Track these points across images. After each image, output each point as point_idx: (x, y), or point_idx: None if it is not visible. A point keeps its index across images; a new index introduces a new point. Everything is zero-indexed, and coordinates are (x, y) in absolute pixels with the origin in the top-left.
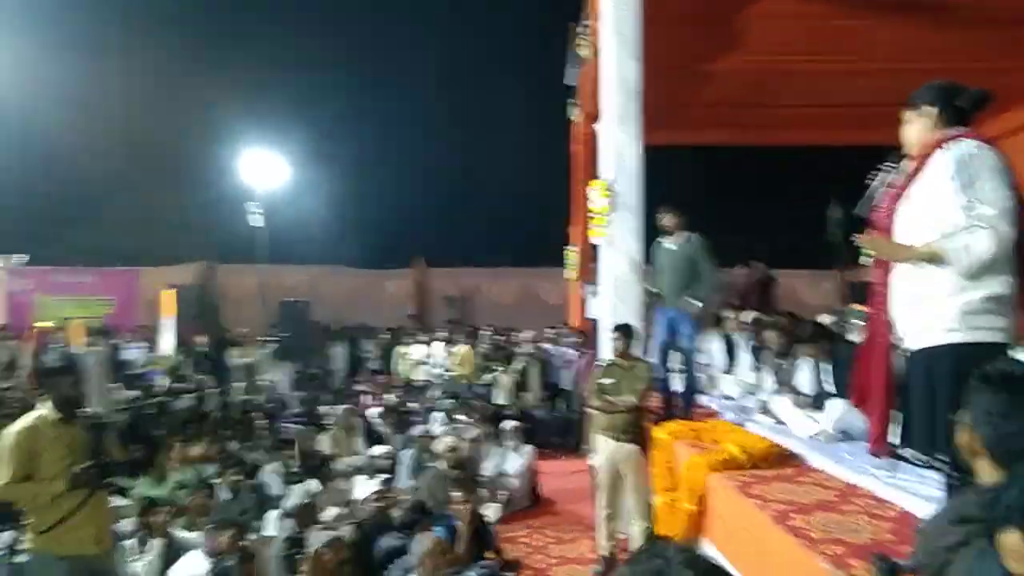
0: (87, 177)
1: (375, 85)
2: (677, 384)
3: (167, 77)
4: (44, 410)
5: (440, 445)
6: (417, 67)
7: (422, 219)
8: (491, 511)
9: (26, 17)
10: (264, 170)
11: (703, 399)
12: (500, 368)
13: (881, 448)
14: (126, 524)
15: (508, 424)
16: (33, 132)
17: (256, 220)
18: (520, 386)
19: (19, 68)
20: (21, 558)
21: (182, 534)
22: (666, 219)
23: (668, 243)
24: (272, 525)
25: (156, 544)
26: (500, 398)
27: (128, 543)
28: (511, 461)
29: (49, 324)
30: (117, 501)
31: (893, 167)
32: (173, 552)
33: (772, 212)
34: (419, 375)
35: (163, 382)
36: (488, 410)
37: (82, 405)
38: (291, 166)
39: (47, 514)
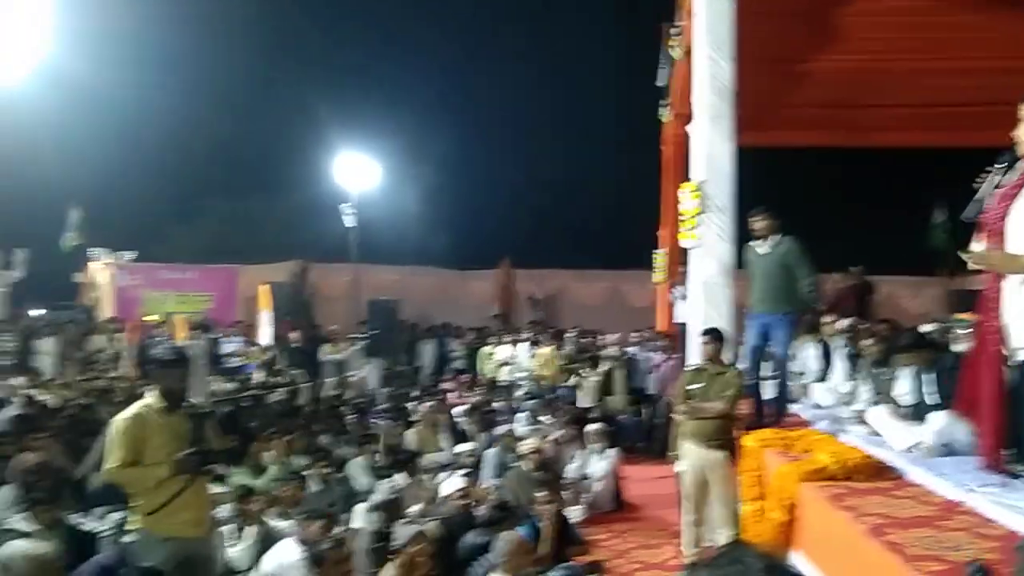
0: (190, 179)
1: (466, 87)
2: (768, 391)
3: (266, 86)
4: (150, 399)
5: (524, 445)
6: (508, 69)
7: (509, 220)
8: (574, 513)
9: (131, 31)
10: (357, 172)
11: (794, 408)
12: (585, 371)
13: (993, 462)
14: (224, 511)
15: (593, 427)
16: (143, 138)
17: (349, 221)
18: (605, 389)
19: (128, 79)
20: (129, 537)
21: (276, 523)
22: (758, 222)
23: (760, 247)
24: (360, 518)
25: (252, 531)
26: (584, 401)
27: (225, 529)
28: (595, 464)
29: (155, 318)
30: (216, 488)
31: (1003, 167)
32: (267, 539)
33: (871, 216)
34: (503, 375)
35: (258, 376)
36: (572, 412)
37: (186, 396)
38: (383, 168)
39: (152, 497)
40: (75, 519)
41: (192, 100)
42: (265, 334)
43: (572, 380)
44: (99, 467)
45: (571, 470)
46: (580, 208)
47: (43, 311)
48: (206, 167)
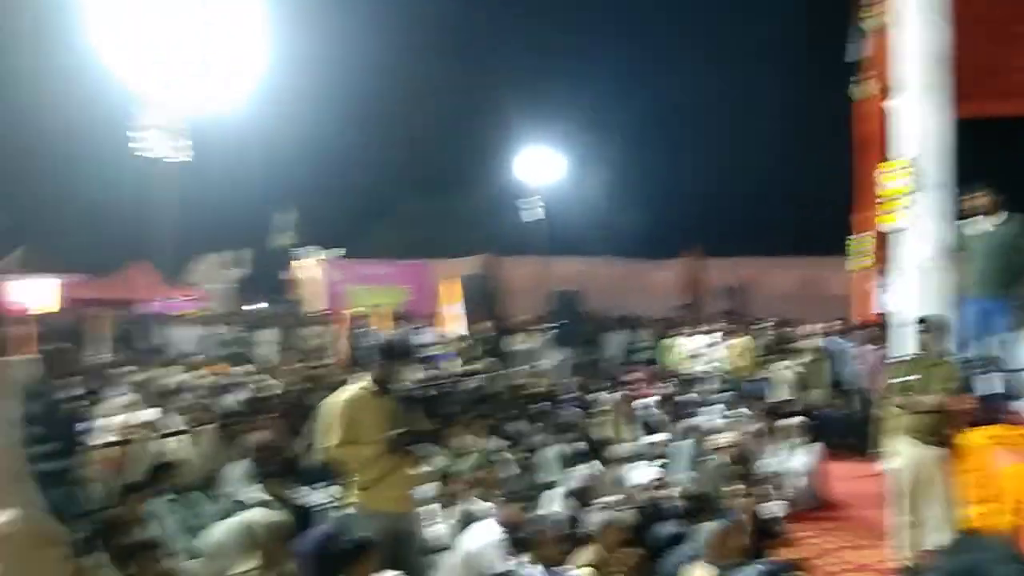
0: (389, 181)
1: (646, 75)
2: (988, 385)
3: (456, 87)
4: (364, 383)
5: (719, 438)
6: (688, 54)
7: (695, 208)
8: (771, 509)
9: (335, 44)
10: (543, 166)
11: (1018, 404)
12: (782, 362)
13: None
14: (428, 490)
15: (792, 421)
16: (348, 144)
17: (535, 214)
18: (804, 382)
19: (332, 89)
20: (344, 511)
21: (477, 504)
22: (980, 199)
23: (980, 226)
24: (554, 503)
25: (455, 511)
26: (781, 394)
27: (429, 508)
28: (795, 459)
29: (359, 310)
30: (420, 469)
31: None
32: (468, 519)
33: None
34: (693, 367)
35: (453, 364)
36: (768, 406)
37: (394, 381)
38: (568, 160)
39: (366, 474)
40: (299, 492)
41: (387, 105)
42: (456, 326)
43: (767, 372)
44: (315, 445)
45: (769, 464)
46: (769, 193)
47: (264, 304)
48: (402, 168)
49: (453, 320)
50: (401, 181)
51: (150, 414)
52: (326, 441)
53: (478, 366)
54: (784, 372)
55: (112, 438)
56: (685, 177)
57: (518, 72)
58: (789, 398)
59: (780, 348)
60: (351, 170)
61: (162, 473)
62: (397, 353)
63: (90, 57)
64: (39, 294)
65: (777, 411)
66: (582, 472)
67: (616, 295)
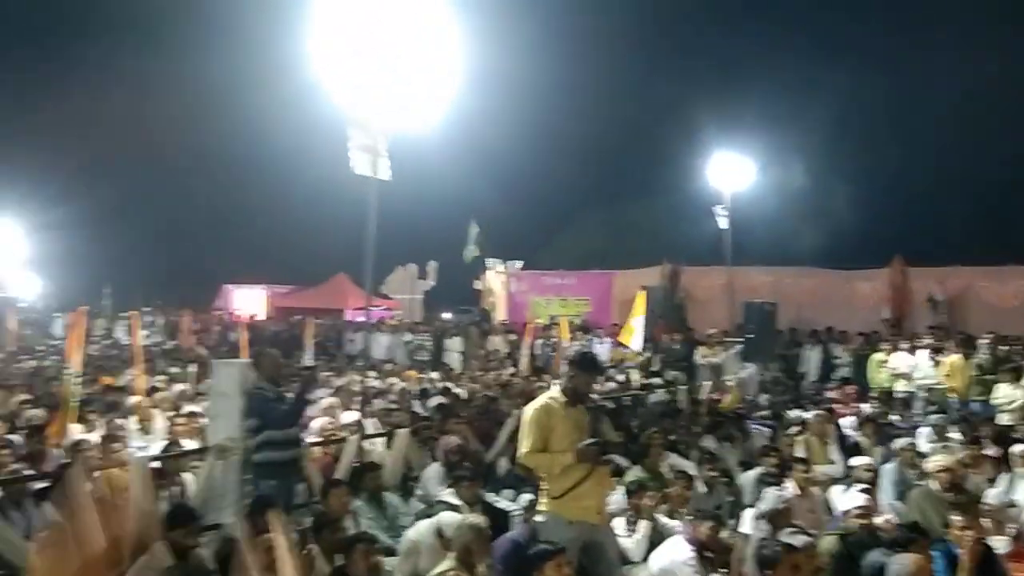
0: (570, 192)
1: (836, 78)
2: None
3: (640, 95)
4: (554, 392)
5: (931, 463)
6: (882, 56)
7: (900, 214)
8: (997, 544)
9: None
10: (731, 172)
11: None
12: (1006, 382)
13: None
14: (616, 503)
15: (1018, 448)
16: (530, 158)
17: (722, 222)
18: None
19: (515, 105)
20: (538, 518)
21: (664, 520)
22: None
23: None
24: (747, 524)
25: (643, 526)
26: (1006, 417)
27: (617, 521)
28: (1020, 491)
29: (541, 321)
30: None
31: None
32: (657, 535)
33: None
34: (899, 386)
35: (634, 377)
36: (992, 430)
37: (585, 392)
38: (756, 166)
39: (559, 482)
40: (490, 497)
41: (569, 116)
42: (637, 338)
43: (989, 393)
44: (505, 452)
45: (992, 495)
46: (983, 196)
47: (450, 314)
48: (584, 179)
49: (635, 331)
50: (582, 192)
51: (349, 416)
52: (520, 447)
53: (657, 380)
54: (1011, 392)
55: (316, 439)
56: (887, 179)
57: (705, 77)
58: (1013, 423)
59: (1000, 367)
60: (533, 182)
61: (365, 473)
62: (588, 365)
63: (310, 84)
64: (251, 303)
65: (1002, 436)
66: (775, 494)
67: (810, 307)
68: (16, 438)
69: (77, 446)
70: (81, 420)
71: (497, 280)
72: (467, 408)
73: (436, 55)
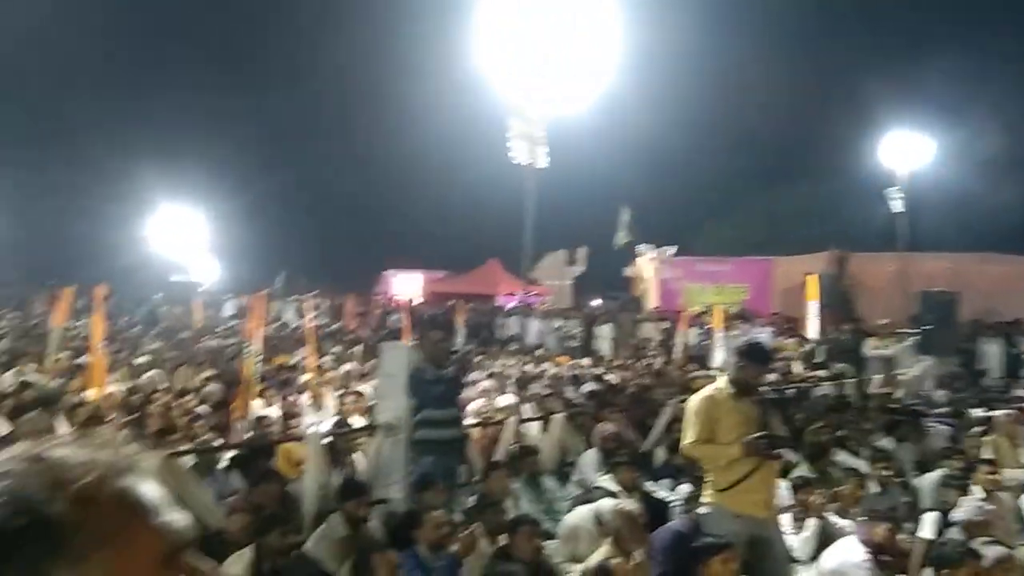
0: (726, 176)
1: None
2: None
3: (806, 74)
4: (721, 383)
5: None
6: None
7: None
8: None
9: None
10: (906, 151)
11: None
12: None
13: None
14: (782, 498)
15: None
16: (682, 141)
17: (896, 205)
18: None
19: (667, 86)
20: (702, 509)
21: (834, 519)
22: None
23: None
24: (928, 528)
25: (811, 524)
26: None
27: (783, 517)
28: None
29: (695, 309)
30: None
31: None
32: (826, 534)
33: None
34: None
35: (796, 368)
36: None
37: (754, 384)
38: (937, 145)
39: (725, 474)
40: (648, 486)
41: (727, 98)
42: (812, 325)
43: None
44: (662, 441)
45: None
46: None
47: (600, 301)
48: (741, 162)
49: (809, 320)
50: (738, 175)
51: (505, 400)
52: (684, 438)
53: (822, 372)
54: None
55: (474, 420)
56: None
57: (877, 50)
58: None
59: None
60: (687, 166)
61: (524, 457)
62: (758, 356)
63: (471, 74)
64: (408, 288)
65: None
66: (976, 503)
67: (994, 298)
68: (202, 410)
69: (261, 421)
70: (260, 396)
71: (649, 266)
72: (620, 396)
73: (594, 40)
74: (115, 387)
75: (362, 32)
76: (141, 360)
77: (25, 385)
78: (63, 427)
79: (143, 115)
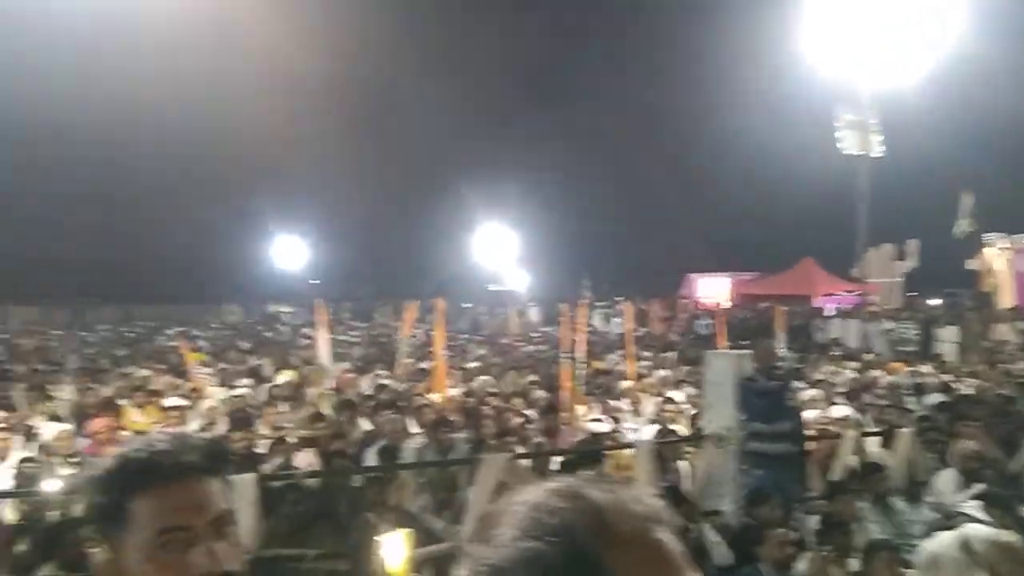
0: None
1: None
2: None
3: None
4: None
5: None
6: None
7: None
8: None
9: None
10: None
11: None
12: None
13: None
14: None
15: None
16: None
17: None
18: None
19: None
20: None
21: None
22: None
23: None
24: None
25: None
26: None
27: None
28: None
29: None
30: None
31: None
32: None
33: None
34: None
35: None
36: None
37: None
38: None
39: None
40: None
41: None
42: None
43: None
44: None
45: None
46: None
47: (939, 300)
48: None
49: None
50: None
51: (840, 411)
52: None
53: None
54: None
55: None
56: None
57: None
58: None
59: None
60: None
61: (869, 475)
62: None
63: (794, 62)
64: (715, 291)
65: None
66: None
67: None
68: (530, 414)
69: (593, 431)
70: (582, 402)
71: (999, 258)
72: (977, 408)
73: (929, 7)
74: (453, 391)
75: (670, 31)
76: (471, 365)
77: (382, 388)
78: (412, 427)
79: (467, 137)
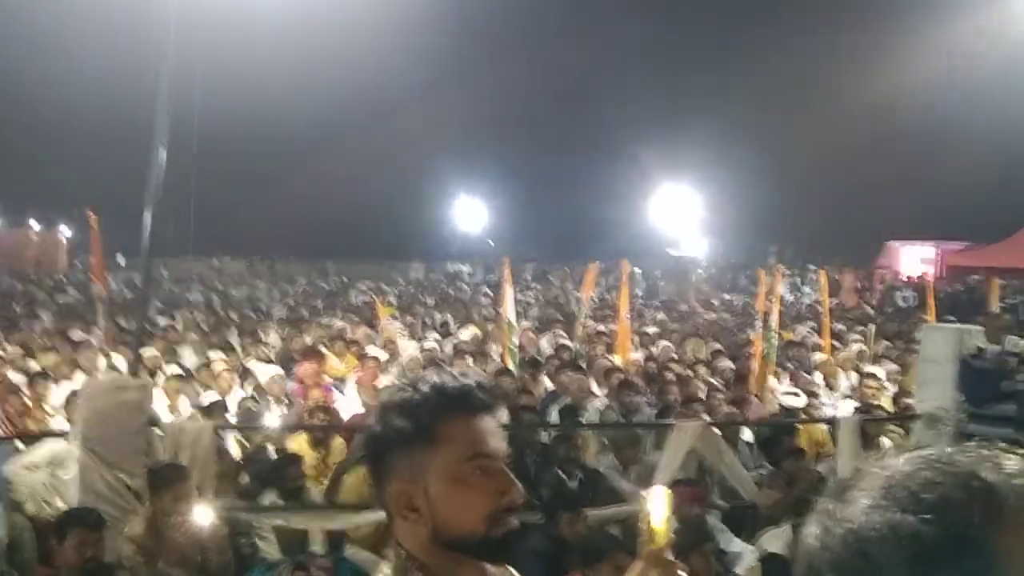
0: None
1: None
2: None
3: None
4: None
5: None
6: None
7: None
8: None
9: None
10: None
11: None
12: None
13: None
14: None
15: None
16: None
17: None
18: None
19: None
20: None
21: None
22: None
23: None
24: None
25: None
26: None
27: None
28: None
29: None
30: None
31: None
32: None
33: None
34: None
35: None
36: None
37: None
38: None
39: None
40: None
41: None
42: None
43: None
44: None
45: None
46: None
47: None
48: None
49: None
50: None
51: None
52: None
53: None
54: None
55: None
56: None
57: None
58: None
59: None
60: None
61: None
62: None
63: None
64: (918, 261)
65: None
66: None
67: None
68: (713, 382)
69: (786, 405)
70: (773, 374)
71: None
72: None
73: None
74: (635, 355)
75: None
76: (650, 330)
77: (563, 348)
78: (595, 387)
79: (648, 99)
